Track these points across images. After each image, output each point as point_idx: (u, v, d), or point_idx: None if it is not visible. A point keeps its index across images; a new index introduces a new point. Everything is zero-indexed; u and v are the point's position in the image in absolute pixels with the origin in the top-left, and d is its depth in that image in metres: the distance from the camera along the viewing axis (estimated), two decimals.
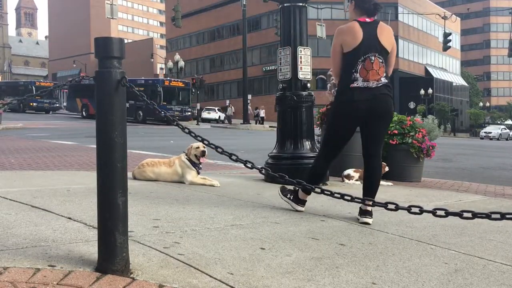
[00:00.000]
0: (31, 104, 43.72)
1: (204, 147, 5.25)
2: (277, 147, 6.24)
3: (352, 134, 3.87)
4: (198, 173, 5.37)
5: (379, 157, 3.83)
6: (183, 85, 35.80)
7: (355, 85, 3.67)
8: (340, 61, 3.80)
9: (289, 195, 4.04)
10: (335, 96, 3.92)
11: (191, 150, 5.34)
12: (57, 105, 49.10)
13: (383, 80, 3.70)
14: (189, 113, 36.28)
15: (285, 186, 4.13)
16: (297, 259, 2.57)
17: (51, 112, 46.03)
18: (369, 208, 3.63)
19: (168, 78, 36.32)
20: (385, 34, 3.75)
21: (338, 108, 3.83)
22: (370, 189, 3.77)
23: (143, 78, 40.15)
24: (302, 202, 3.97)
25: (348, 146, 7.12)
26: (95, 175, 2.24)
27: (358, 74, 3.67)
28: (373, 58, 3.67)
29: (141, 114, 33.94)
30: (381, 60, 3.69)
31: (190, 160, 5.34)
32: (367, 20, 3.76)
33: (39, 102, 44.45)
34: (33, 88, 43.80)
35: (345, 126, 3.82)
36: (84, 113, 38.70)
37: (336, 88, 4.04)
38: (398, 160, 7.14)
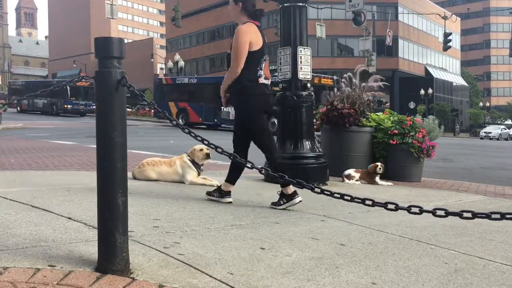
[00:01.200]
0: (66, 106, 38.96)
1: (207, 149, 5.27)
2: (277, 147, 6.24)
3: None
4: (199, 174, 5.37)
5: (272, 146, 4.31)
6: (331, 82, 25.84)
7: (261, 81, 4.16)
8: (245, 57, 4.09)
9: (213, 193, 4.28)
10: (242, 93, 4.15)
11: (194, 153, 5.35)
12: (94, 107, 45.18)
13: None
14: None
15: (209, 191, 4.37)
16: (297, 259, 2.57)
17: (86, 115, 40.26)
18: (231, 189, 4.20)
19: (317, 74, 26.37)
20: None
21: (254, 103, 4.13)
22: (235, 176, 4.27)
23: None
24: (228, 194, 4.21)
25: (348, 146, 7.18)
26: (95, 175, 2.24)
27: (262, 72, 4.16)
28: (267, 59, 4.25)
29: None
30: (267, 60, 4.26)
31: (193, 161, 5.34)
32: (258, 24, 4.22)
33: (74, 104, 39.25)
34: (68, 88, 37.33)
35: (263, 117, 4.21)
36: (181, 121, 27.86)
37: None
38: (398, 160, 7.15)
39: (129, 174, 5.44)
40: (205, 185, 5.21)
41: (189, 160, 5.35)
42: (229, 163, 8.56)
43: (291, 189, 4.08)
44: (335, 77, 27.28)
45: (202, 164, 5.41)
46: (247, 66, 4.07)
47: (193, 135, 2.46)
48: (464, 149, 19.78)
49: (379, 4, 50.15)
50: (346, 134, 7.22)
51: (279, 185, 5.34)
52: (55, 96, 38.55)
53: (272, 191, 5.03)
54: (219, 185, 5.24)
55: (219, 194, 4.24)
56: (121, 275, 2.11)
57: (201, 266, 2.32)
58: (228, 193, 4.23)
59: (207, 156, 5.32)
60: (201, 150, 5.30)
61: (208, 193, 4.33)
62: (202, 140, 2.50)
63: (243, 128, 4.20)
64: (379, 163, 6.58)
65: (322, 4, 36.20)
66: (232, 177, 4.28)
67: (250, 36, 4.07)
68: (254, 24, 4.16)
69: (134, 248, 2.46)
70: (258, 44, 4.12)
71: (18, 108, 43.53)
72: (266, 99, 4.23)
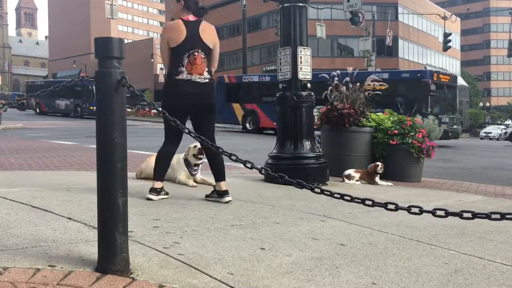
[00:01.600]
0: (92, 108, 35.24)
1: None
2: (277, 147, 6.24)
3: (185, 121, 4.15)
4: (192, 174, 5.30)
5: (214, 142, 4.15)
6: (449, 79, 21.70)
7: (181, 77, 4.09)
8: (168, 55, 4.14)
9: (211, 195, 4.26)
10: (164, 88, 4.23)
11: (189, 151, 5.32)
12: None
13: (206, 74, 4.17)
14: (459, 126, 22.47)
15: (207, 194, 4.35)
16: (297, 259, 2.57)
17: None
18: (224, 188, 4.16)
19: (436, 70, 22.18)
20: (207, 32, 4.20)
21: (167, 100, 4.16)
22: (219, 172, 4.22)
23: (385, 69, 27.74)
24: (225, 193, 4.20)
25: (348, 147, 7.18)
26: (95, 175, 2.24)
27: (184, 68, 4.10)
28: (196, 54, 4.11)
29: None
30: (203, 56, 4.14)
31: (186, 160, 5.30)
32: (191, 19, 4.18)
33: None
34: (94, 88, 34.69)
35: (176, 116, 4.05)
36: (249, 125, 24.62)
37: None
38: (398, 160, 7.15)
39: (133, 174, 5.45)
40: (187, 185, 5.16)
41: (183, 158, 5.32)
42: (230, 164, 8.56)
43: (221, 187, 4.20)
44: (454, 74, 22.81)
45: (196, 165, 5.27)
46: (171, 63, 4.16)
47: (193, 135, 2.46)
48: (464, 149, 19.77)
49: (379, 4, 50.15)
50: (346, 134, 7.22)
51: (278, 185, 5.36)
52: (79, 97, 36.42)
53: (272, 191, 5.03)
54: (195, 185, 5.23)
55: (217, 194, 4.24)
56: (121, 275, 2.11)
57: (201, 266, 2.32)
58: (225, 192, 4.20)
59: (200, 151, 5.13)
60: (195, 146, 5.22)
61: (207, 196, 4.32)
62: (202, 140, 2.50)
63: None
64: (379, 163, 6.58)
65: (322, 4, 36.20)
66: (217, 175, 4.25)
67: (168, 34, 4.15)
68: (182, 20, 4.14)
69: (134, 248, 2.46)
70: (178, 40, 4.10)
71: (37, 109, 40.73)
72: (184, 99, 4.07)
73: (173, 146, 4.29)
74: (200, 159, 5.23)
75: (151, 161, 5.46)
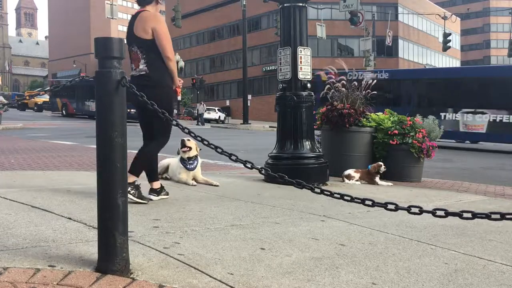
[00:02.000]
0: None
1: (188, 140, 5.19)
2: (277, 147, 6.24)
3: (146, 117, 4.21)
4: (188, 168, 5.26)
5: (151, 138, 4.27)
6: None
7: (131, 73, 4.08)
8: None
9: (133, 191, 3.88)
10: None
11: (180, 149, 5.34)
12: None
13: (142, 67, 4.01)
14: None
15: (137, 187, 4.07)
16: (297, 259, 2.57)
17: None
18: (155, 187, 4.09)
19: None
20: (138, 24, 4.00)
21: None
22: (151, 167, 4.21)
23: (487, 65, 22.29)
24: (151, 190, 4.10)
25: (348, 147, 7.18)
26: (95, 175, 2.24)
27: (132, 65, 4.09)
28: (133, 49, 4.05)
29: None
30: (135, 49, 4.03)
31: (181, 158, 5.30)
32: (134, 13, 4.13)
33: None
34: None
35: (138, 113, 4.27)
36: None
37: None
38: (398, 160, 7.15)
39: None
40: (187, 185, 5.16)
41: (180, 157, 5.32)
42: (230, 164, 8.54)
43: (155, 185, 4.15)
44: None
45: (191, 159, 5.25)
46: None
47: (193, 135, 2.45)
48: (464, 149, 19.77)
49: (379, 4, 50.18)
50: (346, 134, 7.22)
51: (279, 185, 5.35)
52: None
53: (272, 191, 5.03)
54: (217, 184, 5.23)
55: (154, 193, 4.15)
56: (121, 275, 2.11)
57: (201, 266, 2.32)
58: (150, 190, 4.12)
59: (182, 144, 5.19)
60: (182, 140, 5.20)
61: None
62: (202, 140, 2.50)
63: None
64: (381, 163, 6.58)
65: (322, 4, 36.22)
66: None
67: None
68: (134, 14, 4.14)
69: (134, 248, 2.46)
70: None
71: (64, 111, 37.61)
72: (131, 96, 3.95)
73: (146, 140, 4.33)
74: (184, 151, 5.25)
75: (164, 162, 5.51)
